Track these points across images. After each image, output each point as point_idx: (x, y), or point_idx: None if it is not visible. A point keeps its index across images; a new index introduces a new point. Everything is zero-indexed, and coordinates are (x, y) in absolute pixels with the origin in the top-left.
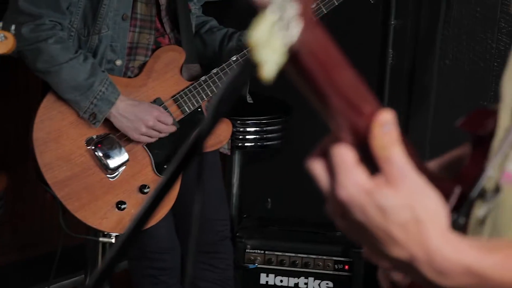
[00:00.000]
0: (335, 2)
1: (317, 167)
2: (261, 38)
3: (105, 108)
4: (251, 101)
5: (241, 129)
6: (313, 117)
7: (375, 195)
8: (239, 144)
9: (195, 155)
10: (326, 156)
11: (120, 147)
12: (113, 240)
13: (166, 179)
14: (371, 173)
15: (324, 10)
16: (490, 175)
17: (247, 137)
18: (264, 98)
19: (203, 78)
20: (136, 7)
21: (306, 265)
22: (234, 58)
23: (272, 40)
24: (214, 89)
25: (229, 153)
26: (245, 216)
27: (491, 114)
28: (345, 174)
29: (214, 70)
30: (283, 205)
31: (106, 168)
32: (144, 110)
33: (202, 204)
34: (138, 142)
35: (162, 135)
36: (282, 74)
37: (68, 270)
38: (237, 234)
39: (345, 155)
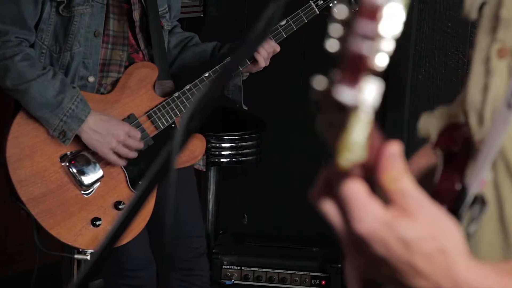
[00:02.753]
0: (304, 20)
1: (328, 206)
2: (357, 139)
3: (74, 125)
4: (246, 108)
5: (216, 145)
6: (287, 132)
7: (396, 227)
8: (215, 160)
9: (166, 171)
10: (331, 189)
11: (95, 163)
12: (88, 257)
13: (138, 196)
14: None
15: (294, 27)
16: (475, 191)
17: (223, 153)
18: (239, 114)
19: (176, 94)
20: (108, 23)
21: (283, 280)
22: (207, 74)
23: (364, 138)
24: (188, 105)
25: (204, 169)
26: (221, 232)
27: (462, 128)
28: (361, 208)
29: (187, 86)
30: (259, 220)
31: (80, 185)
32: (115, 125)
33: (175, 221)
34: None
35: (131, 155)
36: (256, 90)
37: None
38: (214, 250)
39: (357, 189)
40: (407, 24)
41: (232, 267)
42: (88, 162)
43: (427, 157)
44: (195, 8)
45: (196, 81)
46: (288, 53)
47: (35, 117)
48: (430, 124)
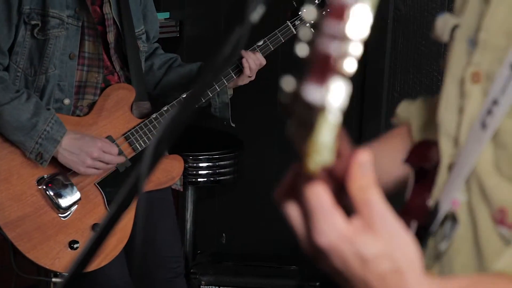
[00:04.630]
0: (281, 39)
1: (290, 209)
2: (325, 141)
3: (50, 147)
4: (233, 125)
5: (193, 165)
6: (264, 151)
7: (355, 243)
8: (192, 180)
9: (135, 195)
10: (296, 192)
11: (72, 186)
12: None
13: (107, 220)
14: (346, 214)
15: (271, 47)
16: (446, 209)
17: (200, 172)
18: (216, 133)
19: (154, 115)
20: (83, 45)
21: None
22: (185, 95)
23: (332, 139)
24: None
25: (181, 189)
26: (199, 252)
27: (432, 146)
28: (323, 219)
29: (165, 108)
30: (237, 240)
31: (57, 208)
32: (88, 142)
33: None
34: (90, 181)
35: (109, 167)
36: (232, 108)
37: None
38: (192, 270)
39: (322, 197)
40: (382, 42)
41: (210, 287)
42: (65, 185)
43: (400, 140)
44: (171, 28)
45: (174, 102)
46: (264, 72)
47: (11, 141)
48: (409, 113)
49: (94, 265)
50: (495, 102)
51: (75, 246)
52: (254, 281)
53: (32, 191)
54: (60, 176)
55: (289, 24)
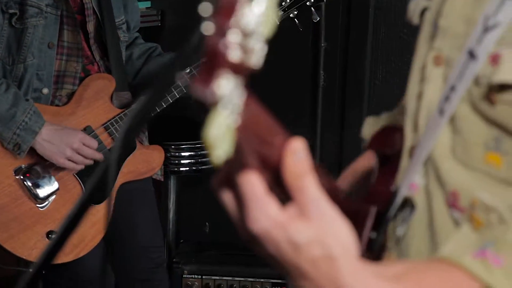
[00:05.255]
0: None
1: (225, 196)
2: (218, 133)
3: (28, 138)
4: None
5: (175, 154)
6: None
7: (288, 229)
8: (174, 169)
9: (104, 185)
10: (231, 180)
11: (50, 176)
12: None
13: (75, 210)
14: (283, 202)
15: None
16: (404, 193)
17: (182, 161)
18: (198, 122)
19: (134, 105)
20: (62, 35)
21: None
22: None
23: (225, 131)
24: None
25: (162, 179)
26: (182, 241)
27: (397, 132)
28: (256, 207)
29: None
30: (220, 229)
31: (35, 198)
32: (68, 133)
33: (133, 231)
34: (68, 171)
35: (87, 162)
36: None
37: None
38: (174, 259)
39: (254, 185)
40: (363, 30)
41: (193, 276)
42: (43, 175)
43: (370, 159)
44: (152, 17)
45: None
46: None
47: None
48: (373, 128)
49: (72, 255)
50: (452, 88)
51: (53, 236)
52: (237, 270)
53: (9, 181)
54: (38, 166)
55: None
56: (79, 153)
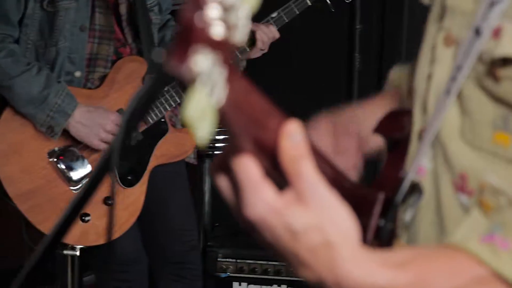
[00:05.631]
0: (296, 11)
1: (221, 182)
2: (196, 112)
3: (61, 120)
4: None
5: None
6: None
7: (285, 216)
8: (209, 152)
9: (107, 171)
10: (227, 165)
11: (83, 158)
12: (77, 253)
13: (80, 195)
14: (280, 187)
15: (285, 19)
16: (412, 178)
17: (216, 144)
18: None
19: (166, 87)
20: (94, 18)
21: (278, 272)
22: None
23: (206, 110)
24: (177, 99)
25: (196, 163)
26: (216, 224)
27: (405, 115)
28: (252, 192)
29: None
30: None
31: (69, 180)
32: (101, 114)
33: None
34: (101, 153)
35: None
36: (260, 78)
37: (34, 285)
38: (209, 243)
39: (249, 170)
40: (399, 15)
41: (227, 259)
42: (76, 158)
43: (390, 101)
44: None
45: None
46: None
47: (22, 113)
48: (400, 78)
49: (106, 238)
50: (459, 68)
51: (86, 219)
52: (271, 254)
53: (44, 164)
54: (72, 148)
55: None
56: (112, 135)
